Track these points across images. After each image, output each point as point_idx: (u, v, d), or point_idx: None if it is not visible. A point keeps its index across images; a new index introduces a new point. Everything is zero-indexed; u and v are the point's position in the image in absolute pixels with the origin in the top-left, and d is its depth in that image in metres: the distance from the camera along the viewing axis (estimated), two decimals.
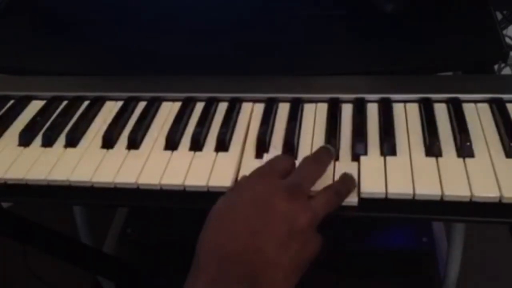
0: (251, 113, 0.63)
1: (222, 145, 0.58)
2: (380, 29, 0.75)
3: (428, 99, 0.62)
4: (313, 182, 0.50)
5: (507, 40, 0.93)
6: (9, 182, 0.57)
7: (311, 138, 0.59)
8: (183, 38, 0.78)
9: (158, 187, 0.55)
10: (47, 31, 0.83)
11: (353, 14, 0.78)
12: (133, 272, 1.18)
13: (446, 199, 0.50)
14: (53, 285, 1.15)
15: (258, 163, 0.53)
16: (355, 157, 0.55)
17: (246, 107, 0.64)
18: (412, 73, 0.69)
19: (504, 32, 0.87)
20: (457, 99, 0.61)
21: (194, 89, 0.67)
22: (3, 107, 0.68)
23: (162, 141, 0.60)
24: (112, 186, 0.55)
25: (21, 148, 0.61)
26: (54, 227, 0.96)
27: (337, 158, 0.55)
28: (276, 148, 0.58)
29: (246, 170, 0.53)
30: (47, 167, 0.57)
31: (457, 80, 0.70)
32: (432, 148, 0.55)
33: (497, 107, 0.59)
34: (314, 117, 0.62)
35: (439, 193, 0.50)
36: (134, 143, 0.60)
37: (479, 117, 0.59)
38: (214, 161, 0.56)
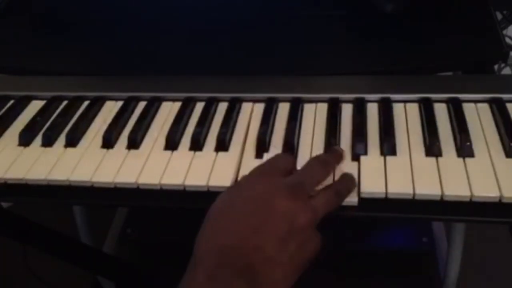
0: (251, 113, 0.63)
1: (222, 145, 0.58)
2: (380, 29, 0.76)
3: (428, 99, 0.62)
4: (316, 183, 0.50)
5: (507, 40, 0.93)
6: (9, 182, 0.57)
7: (311, 138, 0.59)
8: (183, 38, 0.78)
9: (158, 187, 0.55)
10: (47, 31, 0.83)
11: (353, 14, 0.78)
12: (133, 272, 1.18)
13: (446, 199, 0.50)
14: (53, 285, 1.15)
15: (258, 163, 0.52)
16: (355, 157, 0.55)
17: (246, 107, 0.64)
18: (412, 73, 0.69)
19: (504, 32, 0.87)
20: (457, 99, 0.61)
21: (194, 89, 0.67)
22: (3, 107, 0.68)
23: (162, 141, 0.60)
24: (112, 186, 0.55)
25: (21, 148, 0.61)
26: (54, 227, 0.96)
27: None
28: (276, 148, 0.58)
29: (246, 170, 0.53)
30: (47, 167, 0.57)
31: (457, 80, 0.70)
32: (432, 148, 0.55)
33: (497, 107, 0.59)
34: (314, 117, 0.62)
35: (439, 193, 0.50)
36: (134, 143, 0.60)
37: (479, 117, 0.59)
38: (214, 161, 0.56)
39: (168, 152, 0.58)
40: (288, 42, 0.75)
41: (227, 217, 0.46)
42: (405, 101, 0.62)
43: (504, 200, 0.49)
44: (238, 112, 0.63)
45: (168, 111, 0.65)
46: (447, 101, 0.61)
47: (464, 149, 0.54)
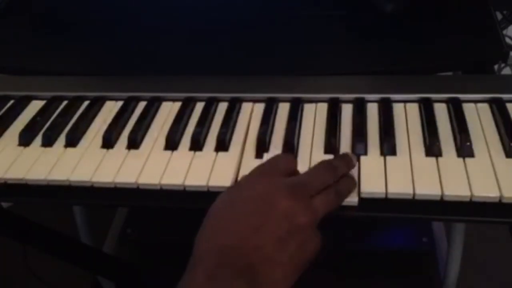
0: (251, 113, 0.63)
1: (222, 145, 0.58)
2: (380, 29, 0.76)
3: (428, 99, 0.62)
4: (319, 187, 0.49)
5: (507, 40, 0.93)
6: (9, 182, 0.57)
7: (311, 138, 0.59)
8: (183, 38, 0.78)
9: (158, 187, 0.55)
10: (47, 31, 0.83)
11: (353, 14, 0.78)
12: (133, 272, 1.18)
13: (446, 199, 0.50)
14: (53, 285, 1.15)
15: (258, 163, 0.52)
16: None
17: (246, 107, 0.64)
18: (412, 73, 0.69)
19: (504, 32, 0.87)
20: (457, 99, 0.61)
21: (194, 89, 0.67)
22: (3, 107, 0.68)
23: (162, 141, 0.60)
24: (112, 186, 0.55)
25: (21, 148, 0.61)
26: (54, 227, 0.96)
27: None
28: (276, 148, 0.58)
29: (246, 170, 0.53)
30: (47, 167, 0.57)
31: (457, 80, 0.70)
32: (432, 148, 0.55)
33: (497, 107, 0.59)
34: (314, 117, 0.62)
35: (439, 193, 0.50)
36: (134, 143, 0.60)
37: (479, 117, 0.59)
38: (214, 161, 0.56)
39: (168, 152, 0.58)
40: (288, 42, 0.75)
41: (227, 217, 0.46)
42: (405, 101, 0.62)
43: (504, 200, 0.49)
44: (238, 112, 0.63)
45: (168, 111, 0.65)
46: (447, 101, 0.61)
47: (464, 149, 0.54)
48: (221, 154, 0.57)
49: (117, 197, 0.56)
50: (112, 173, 0.56)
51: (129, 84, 0.69)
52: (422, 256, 1.18)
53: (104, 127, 0.62)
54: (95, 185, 0.56)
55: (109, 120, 0.63)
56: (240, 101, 0.65)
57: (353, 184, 0.51)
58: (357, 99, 0.63)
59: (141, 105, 0.66)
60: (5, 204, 0.98)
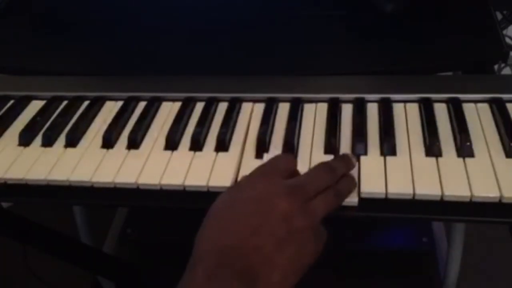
0: (251, 113, 0.63)
1: (222, 145, 0.58)
2: (380, 29, 0.75)
3: (428, 99, 0.62)
4: (318, 188, 0.48)
5: (507, 40, 0.93)
6: (9, 182, 0.57)
7: (311, 138, 0.59)
8: (183, 38, 0.78)
9: (158, 187, 0.55)
10: (47, 31, 0.83)
11: (353, 14, 0.78)
12: (133, 272, 1.18)
13: (446, 199, 0.50)
14: (53, 285, 1.15)
15: (258, 163, 0.52)
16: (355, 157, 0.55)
17: (246, 107, 0.64)
18: (412, 73, 0.69)
19: (504, 32, 0.87)
20: (457, 99, 0.61)
21: (194, 89, 0.67)
22: (3, 107, 0.68)
23: (162, 141, 0.60)
24: (112, 186, 0.55)
25: (21, 148, 0.61)
26: (54, 227, 0.96)
27: None
28: (276, 148, 0.58)
29: (246, 170, 0.53)
30: (47, 167, 0.57)
31: (457, 80, 0.70)
32: (432, 148, 0.55)
33: (497, 107, 0.59)
34: (314, 117, 0.62)
35: (439, 193, 0.50)
36: (134, 143, 0.60)
37: (479, 117, 0.59)
38: (214, 161, 0.56)
39: (168, 152, 0.58)
40: (288, 42, 0.75)
41: (227, 217, 0.46)
42: (405, 101, 0.62)
43: (504, 200, 0.49)
44: (238, 112, 0.63)
45: (168, 111, 0.65)
46: (447, 101, 0.61)
47: (464, 149, 0.54)
48: (221, 154, 0.57)
49: (117, 197, 0.56)
50: (112, 173, 0.56)
51: (129, 84, 0.69)
52: (422, 256, 1.18)
53: (104, 127, 0.62)
54: (95, 185, 0.56)
55: (109, 120, 0.63)
56: (240, 101, 0.65)
57: (353, 184, 0.51)
58: (357, 99, 0.63)
59: (141, 105, 0.66)
60: (5, 204, 0.98)
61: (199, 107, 0.65)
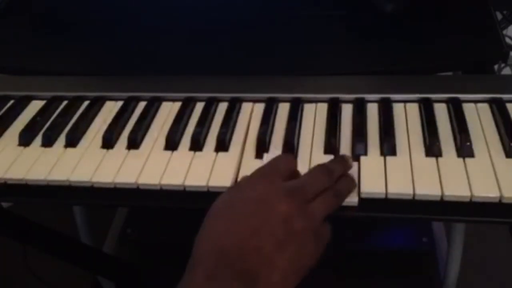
0: (251, 113, 0.63)
1: (222, 145, 0.58)
2: (380, 29, 0.75)
3: (428, 99, 0.62)
4: (317, 190, 0.49)
5: (507, 40, 0.93)
6: (9, 182, 0.57)
7: (311, 138, 0.59)
8: (183, 38, 0.78)
9: (158, 187, 0.55)
10: (47, 31, 0.83)
11: (353, 14, 0.78)
12: (133, 272, 1.18)
13: (446, 199, 0.50)
14: (53, 285, 1.15)
15: (258, 163, 0.52)
16: (355, 157, 0.55)
17: (246, 107, 0.64)
18: (412, 73, 0.69)
19: (504, 32, 0.87)
20: (457, 99, 0.61)
21: (194, 89, 0.67)
22: (3, 107, 0.68)
23: (162, 141, 0.60)
24: (112, 186, 0.55)
25: (21, 148, 0.61)
26: (54, 227, 0.96)
27: None
28: (276, 148, 0.58)
29: (246, 170, 0.53)
30: (47, 167, 0.57)
31: (457, 80, 0.70)
32: (432, 148, 0.55)
33: (497, 107, 0.59)
34: (314, 117, 0.62)
35: (439, 193, 0.50)
36: (134, 143, 0.60)
37: (479, 117, 0.59)
38: (214, 161, 0.56)
39: (168, 152, 0.58)
40: (288, 42, 0.75)
41: (227, 217, 0.46)
42: (405, 101, 0.62)
43: (504, 200, 0.49)
44: (238, 112, 0.63)
45: (168, 111, 0.65)
46: (447, 101, 0.61)
47: (464, 149, 0.54)
48: (221, 154, 0.57)
49: (117, 197, 0.56)
50: (112, 173, 0.56)
51: (129, 84, 0.69)
52: (422, 256, 1.18)
53: (104, 127, 0.62)
54: (95, 185, 0.56)
55: (109, 120, 0.63)
56: (240, 101, 0.65)
57: (353, 184, 0.51)
58: (357, 99, 0.63)
59: (141, 105, 0.66)
60: (5, 204, 0.98)
61: (199, 107, 0.65)
